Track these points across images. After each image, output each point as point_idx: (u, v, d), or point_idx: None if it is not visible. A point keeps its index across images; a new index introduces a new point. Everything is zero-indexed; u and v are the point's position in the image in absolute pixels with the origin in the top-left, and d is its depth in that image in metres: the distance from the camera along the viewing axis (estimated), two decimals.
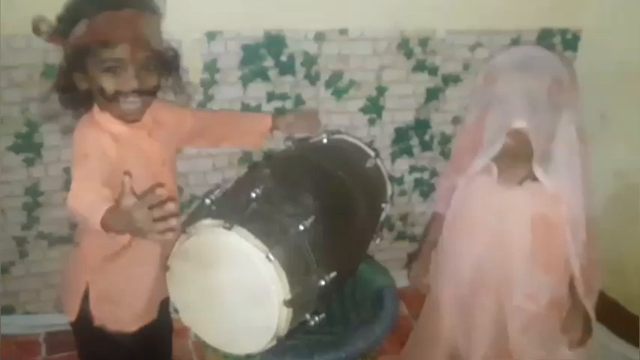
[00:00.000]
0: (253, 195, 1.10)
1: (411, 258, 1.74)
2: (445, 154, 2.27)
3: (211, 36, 1.87)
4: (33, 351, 1.95)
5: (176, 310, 1.18)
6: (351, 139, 1.46)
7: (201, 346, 1.36)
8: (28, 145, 1.87)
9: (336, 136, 1.44)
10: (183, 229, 1.09)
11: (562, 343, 1.40)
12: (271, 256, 1.02)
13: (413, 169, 2.26)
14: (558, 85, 1.26)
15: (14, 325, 2.01)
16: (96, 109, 1.22)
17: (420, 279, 1.52)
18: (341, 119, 2.10)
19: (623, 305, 2.02)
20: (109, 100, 1.16)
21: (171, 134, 1.33)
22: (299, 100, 2.04)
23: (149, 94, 1.21)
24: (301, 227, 1.09)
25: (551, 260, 1.36)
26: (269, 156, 1.39)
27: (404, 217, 2.34)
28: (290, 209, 1.11)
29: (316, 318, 1.14)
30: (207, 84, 1.92)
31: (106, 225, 1.01)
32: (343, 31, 1.98)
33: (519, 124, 1.25)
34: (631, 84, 1.95)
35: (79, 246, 1.35)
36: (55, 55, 1.75)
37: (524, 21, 2.13)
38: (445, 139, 2.26)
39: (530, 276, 1.37)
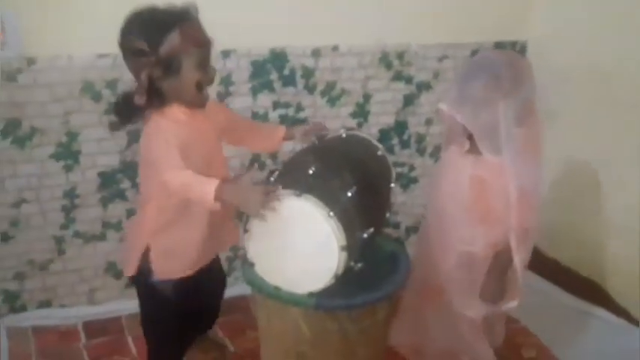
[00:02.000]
0: (310, 172, 1.43)
1: None
2: (420, 151, 2.65)
3: (226, 54, 2.18)
4: (74, 338, 2.14)
5: (252, 264, 1.48)
6: (362, 135, 1.81)
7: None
8: (67, 153, 2.10)
9: (351, 132, 1.78)
10: None
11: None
12: (331, 214, 1.35)
13: (395, 164, 2.55)
14: (495, 81, 1.56)
15: (52, 317, 2.21)
16: (166, 106, 1.46)
17: None
18: (334, 123, 2.42)
19: (574, 269, 2.44)
20: (199, 90, 1.43)
21: (215, 120, 1.59)
22: (299, 108, 2.37)
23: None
24: (349, 194, 1.42)
25: (486, 213, 1.67)
26: (306, 147, 1.71)
27: None
28: (337, 182, 1.45)
29: (358, 265, 1.47)
30: (223, 95, 2.23)
31: (219, 195, 1.30)
32: (335, 48, 2.34)
33: (441, 105, 1.63)
34: (570, 85, 2.38)
35: (140, 214, 1.61)
36: (93, 73, 2.04)
37: (482, 35, 2.55)
38: (420, 138, 2.63)
39: (467, 223, 1.70)
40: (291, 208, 1.37)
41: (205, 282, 1.64)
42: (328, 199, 1.38)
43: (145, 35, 1.39)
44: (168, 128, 1.44)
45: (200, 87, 1.44)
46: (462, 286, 1.73)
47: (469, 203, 1.70)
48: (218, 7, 2.09)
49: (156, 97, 1.43)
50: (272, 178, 1.46)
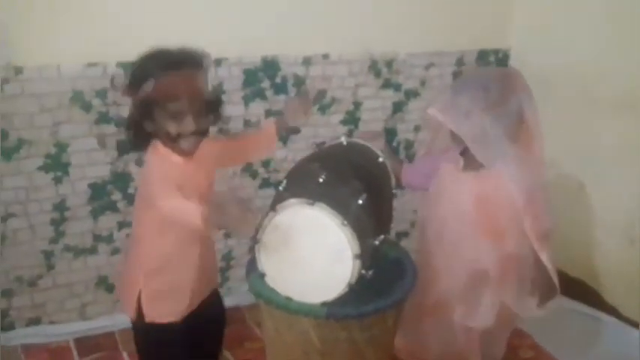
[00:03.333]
0: (320, 180, 1.43)
1: None
2: (410, 157, 2.68)
3: (218, 62, 2.16)
4: (65, 356, 2.08)
5: (263, 275, 1.47)
6: (361, 142, 1.81)
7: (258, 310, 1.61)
8: (56, 165, 2.05)
9: (350, 139, 1.79)
10: (273, 207, 1.39)
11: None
12: (345, 222, 1.35)
13: None
14: (484, 91, 1.61)
15: (42, 334, 2.14)
16: (159, 143, 1.45)
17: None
18: (326, 131, 2.43)
19: (563, 270, 2.49)
20: (173, 141, 1.41)
21: (210, 162, 1.57)
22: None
23: (203, 134, 1.47)
24: (360, 202, 1.42)
25: (493, 229, 1.68)
26: (310, 155, 1.70)
27: None
28: (347, 190, 1.45)
29: (370, 272, 1.47)
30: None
31: (205, 219, 1.30)
32: (325, 56, 2.35)
33: (430, 110, 1.65)
34: (552, 90, 2.44)
35: (131, 254, 1.57)
36: (82, 82, 2.00)
37: (466, 44, 2.61)
38: (409, 145, 2.66)
39: (473, 240, 1.71)
40: (304, 217, 1.37)
41: (202, 323, 1.60)
42: (340, 207, 1.38)
43: (131, 75, 1.42)
44: (164, 165, 1.43)
45: (172, 138, 1.40)
46: (470, 299, 1.73)
47: (474, 221, 1.70)
48: (210, 15, 2.11)
49: (141, 134, 1.43)
50: (281, 188, 1.45)
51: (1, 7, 1.82)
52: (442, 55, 2.58)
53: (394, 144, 2.63)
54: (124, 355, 2.08)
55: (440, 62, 2.59)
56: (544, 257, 1.67)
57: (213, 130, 1.63)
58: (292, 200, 1.38)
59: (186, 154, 1.44)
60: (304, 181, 1.46)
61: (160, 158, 1.44)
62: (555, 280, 1.72)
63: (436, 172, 1.83)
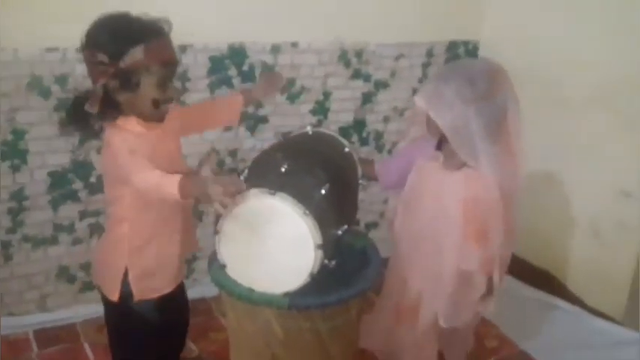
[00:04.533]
0: (283, 170, 1.40)
1: None
2: (379, 148, 2.67)
3: (182, 49, 2.11)
4: (24, 348, 2.02)
5: (224, 266, 1.44)
6: (328, 132, 1.79)
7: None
8: (13, 152, 1.98)
9: (316, 129, 1.76)
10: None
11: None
12: (307, 212, 1.33)
13: None
14: (470, 84, 1.56)
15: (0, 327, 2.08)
16: (120, 118, 1.41)
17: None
18: (294, 120, 2.41)
19: (529, 260, 2.52)
20: (156, 107, 1.39)
21: (175, 129, 1.55)
22: (259, 105, 2.34)
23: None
24: (322, 192, 1.40)
25: (481, 231, 1.62)
26: (274, 145, 1.68)
27: None
28: (310, 180, 1.42)
29: (333, 262, 1.46)
30: (180, 92, 2.16)
31: (182, 190, 1.26)
32: (294, 44, 2.32)
33: (417, 99, 1.58)
34: (520, 83, 2.44)
35: (111, 236, 1.54)
36: (40, 66, 1.94)
37: (436, 35, 2.60)
38: (379, 136, 2.65)
39: (457, 242, 1.65)
40: (265, 207, 1.34)
41: (179, 295, 1.59)
42: (302, 197, 1.35)
43: (109, 44, 1.33)
44: (128, 139, 1.39)
45: (157, 104, 1.39)
46: (455, 301, 1.69)
47: (460, 224, 1.64)
48: None
49: (110, 107, 1.38)
50: (242, 177, 1.42)
51: None
52: (412, 46, 2.58)
53: (364, 134, 2.62)
54: (86, 346, 2.04)
55: (410, 53, 2.58)
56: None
57: None
58: (253, 190, 1.35)
59: (161, 120, 1.43)
60: (266, 171, 1.44)
61: (122, 134, 1.40)
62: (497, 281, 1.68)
63: (411, 168, 1.75)
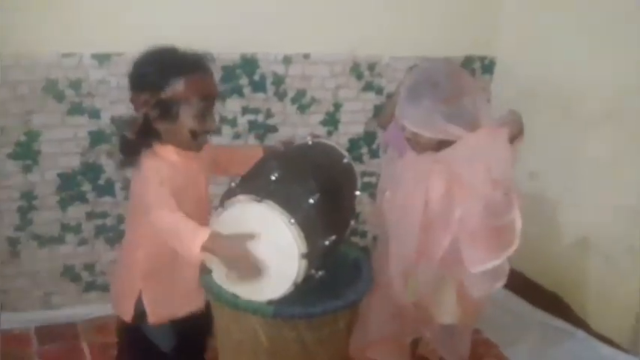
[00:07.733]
0: (273, 178, 1.40)
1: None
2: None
3: None
4: (26, 343, 2.07)
5: (209, 271, 1.45)
6: (328, 142, 1.79)
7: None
8: (26, 153, 2.04)
9: (317, 139, 1.76)
10: (221, 204, 1.37)
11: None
12: (293, 220, 1.33)
13: (364, 174, 2.60)
14: (433, 87, 1.54)
15: (3, 321, 2.12)
16: (157, 145, 1.45)
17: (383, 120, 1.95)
18: (304, 131, 2.41)
19: (535, 280, 2.46)
20: (194, 138, 1.43)
21: (209, 164, 1.59)
22: (269, 114, 2.36)
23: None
24: (311, 201, 1.40)
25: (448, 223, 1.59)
26: (271, 153, 1.69)
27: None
28: (299, 189, 1.42)
29: (319, 273, 1.45)
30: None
31: (208, 245, 1.30)
32: (306, 56, 2.33)
33: (407, 124, 1.58)
34: (535, 99, 2.42)
35: (126, 260, 1.56)
36: (56, 71, 2.00)
37: (452, 50, 2.57)
38: None
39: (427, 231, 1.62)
40: (252, 213, 1.35)
41: (199, 319, 1.59)
42: (290, 205, 1.35)
43: (152, 75, 1.39)
44: (162, 170, 1.42)
45: (195, 135, 1.43)
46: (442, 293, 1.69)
47: (442, 212, 1.61)
48: (190, 9, 2.10)
49: (150, 135, 1.43)
50: (233, 184, 1.43)
51: None
52: (427, 60, 2.55)
53: (374, 147, 2.61)
54: (84, 345, 2.07)
55: None
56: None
57: None
58: (240, 197, 1.35)
59: (198, 149, 1.47)
60: (256, 178, 1.44)
61: (157, 162, 1.43)
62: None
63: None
